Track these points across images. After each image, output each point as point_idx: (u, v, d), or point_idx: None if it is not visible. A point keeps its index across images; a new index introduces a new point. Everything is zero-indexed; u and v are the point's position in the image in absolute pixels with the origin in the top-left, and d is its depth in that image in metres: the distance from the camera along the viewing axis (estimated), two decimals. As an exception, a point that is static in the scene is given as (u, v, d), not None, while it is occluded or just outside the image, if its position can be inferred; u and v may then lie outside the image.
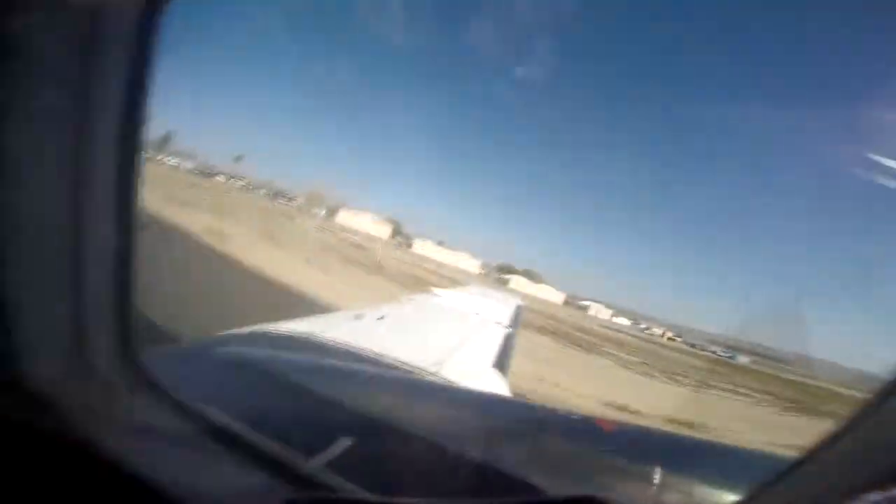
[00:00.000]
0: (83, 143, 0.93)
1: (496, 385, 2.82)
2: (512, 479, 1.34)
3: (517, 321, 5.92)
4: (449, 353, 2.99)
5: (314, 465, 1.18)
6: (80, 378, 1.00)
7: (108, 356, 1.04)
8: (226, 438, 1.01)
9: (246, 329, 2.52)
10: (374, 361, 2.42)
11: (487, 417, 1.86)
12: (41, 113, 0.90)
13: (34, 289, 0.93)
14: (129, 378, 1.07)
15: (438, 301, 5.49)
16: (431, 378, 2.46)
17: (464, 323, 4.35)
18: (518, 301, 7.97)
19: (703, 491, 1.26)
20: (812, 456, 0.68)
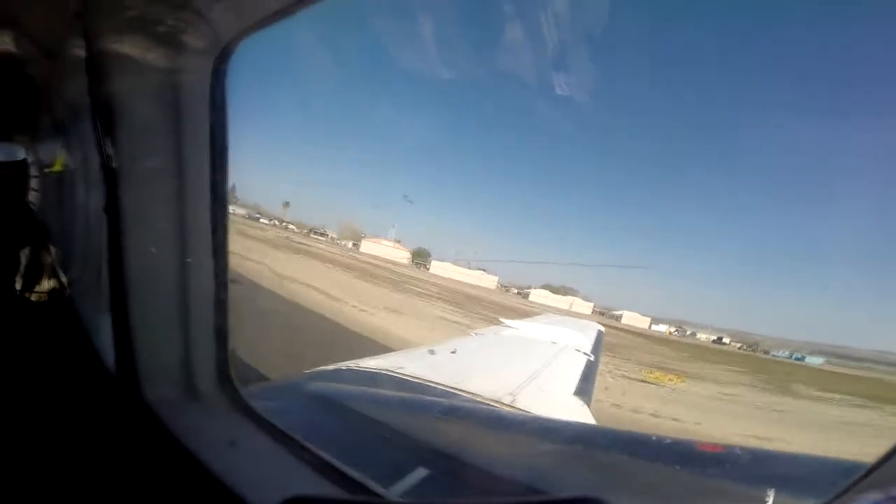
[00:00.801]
0: (182, 200, 1.14)
1: (579, 413, 2.65)
2: None
3: (598, 347, 5.54)
4: (525, 383, 2.90)
5: (395, 492, 1.22)
6: (189, 401, 1.18)
7: (211, 384, 1.22)
8: (315, 464, 1.09)
9: (331, 366, 2.71)
10: (449, 394, 2.43)
11: (570, 446, 1.76)
12: (146, 170, 1.12)
13: (152, 327, 1.15)
14: (229, 403, 1.23)
15: (510, 332, 5.37)
16: (507, 408, 2.40)
17: (540, 352, 4.20)
18: (599, 327, 7.48)
19: None
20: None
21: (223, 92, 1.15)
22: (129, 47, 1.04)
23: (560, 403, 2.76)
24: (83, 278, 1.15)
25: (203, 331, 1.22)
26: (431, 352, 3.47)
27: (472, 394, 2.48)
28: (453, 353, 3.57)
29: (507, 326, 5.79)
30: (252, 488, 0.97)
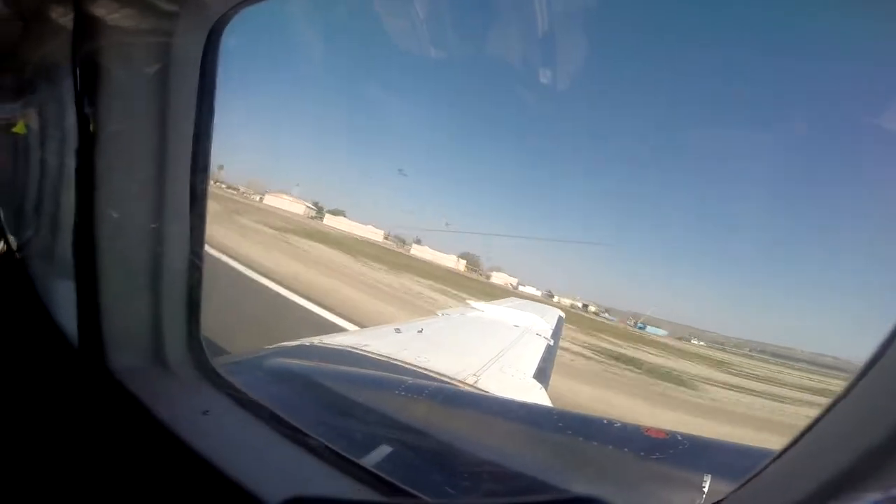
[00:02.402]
0: (161, 166, 1.09)
1: (537, 395, 2.79)
2: (553, 489, 1.33)
3: (559, 332, 5.78)
4: (487, 365, 3.00)
5: (365, 463, 1.24)
6: (158, 370, 1.16)
7: (181, 353, 1.19)
8: (289, 435, 1.09)
9: (294, 342, 2.68)
10: (414, 373, 2.48)
11: (527, 426, 1.85)
12: (126, 135, 1.06)
13: (120, 293, 1.10)
14: (199, 373, 1.21)
15: (475, 314, 5.49)
16: (470, 388, 2.48)
17: (502, 334, 4.33)
18: (560, 312, 7.78)
19: None
20: (793, 445, 0.68)
21: (214, 62, 1.11)
22: (119, 8, 0.96)
23: (519, 385, 2.88)
24: (37, 241, 1.07)
25: (174, 297, 1.19)
26: (398, 330, 3.50)
27: (437, 373, 2.54)
28: (420, 332, 3.62)
29: (472, 308, 5.91)
30: (229, 458, 0.97)
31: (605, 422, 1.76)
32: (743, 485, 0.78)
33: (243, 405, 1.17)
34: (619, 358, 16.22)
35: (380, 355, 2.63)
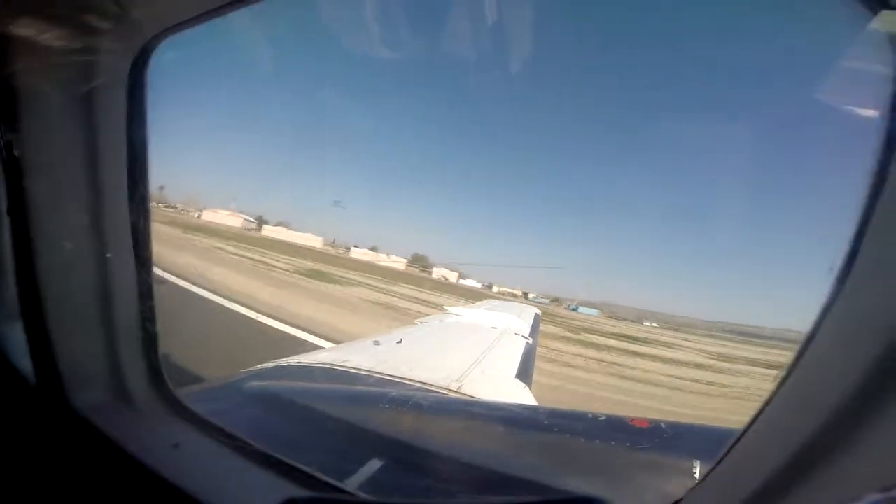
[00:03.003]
0: (97, 193, 1.04)
1: (521, 395, 2.81)
2: (544, 489, 1.34)
3: (536, 330, 5.88)
4: (469, 369, 3.00)
5: (349, 486, 1.21)
6: (122, 405, 1.09)
7: (143, 386, 1.14)
8: (265, 462, 1.06)
9: (271, 364, 2.58)
10: (397, 384, 2.44)
11: (515, 428, 1.86)
12: (57, 165, 1.00)
13: (71, 330, 1.04)
14: (165, 405, 1.15)
15: (454, 319, 5.50)
16: (454, 395, 2.47)
17: (481, 337, 4.36)
18: (536, 310, 7.91)
19: None
20: (752, 425, 0.72)
21: (143, 82, 1.07)
22: (38, 31, 0.90)
23: (503, 386, 2.89)
24: None
25: (128, 330, 1.14)
26: (376, 343, 3.45)
27: (420, 382, 2.52)
28: (399, 342, 3.58)
29: (450, 314, 5.91)
30: (204, 490, 0.93)
31: (590, 416, 1.80)
32: (705, 477, 0.81)
33: (215, 435, 1.12)
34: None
35: (360, 370, 2.58)
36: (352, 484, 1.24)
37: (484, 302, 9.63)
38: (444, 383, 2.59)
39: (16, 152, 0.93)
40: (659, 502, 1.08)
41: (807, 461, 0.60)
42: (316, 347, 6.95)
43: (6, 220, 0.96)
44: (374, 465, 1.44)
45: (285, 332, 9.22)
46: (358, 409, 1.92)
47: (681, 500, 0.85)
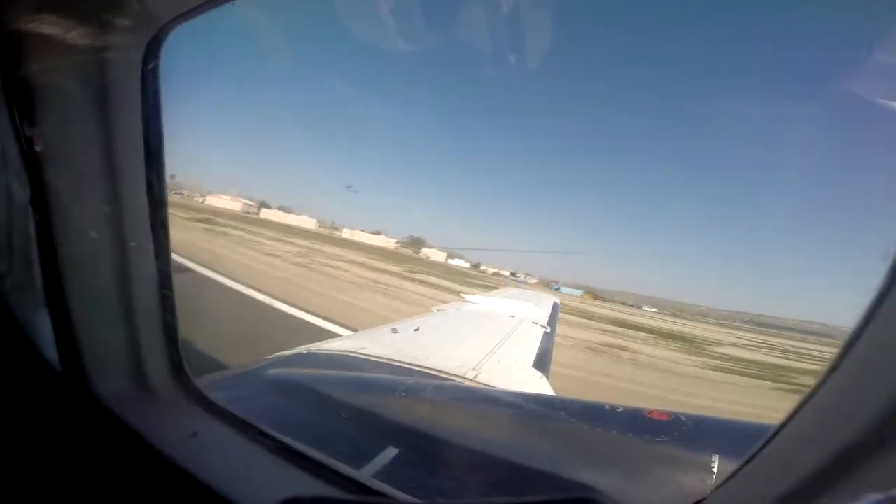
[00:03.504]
0: (115, 183, 1.06)
1: (538, 385, 2.80)
2: (559, 480, 1.32)
3: (555, 319, 5.82)
4: (486, 358, 3.00)
5: (366, 474, 1.23)
6: (142, 394, 1.13)
7: (164, 375, 1.17)
8: (282, 451, 1.08)
9: (291, 351, 2.64)
10: (414, 372, 2.47)
11: (531, 418, 1.85)
12: (75, 157, 1.03)
13: (93, 318, 1.07)
14: (185, 394, 1.19)
15: (471, 307, 5.49)
16: (470, 383, 2.48)
17: (499, 326, 4.34)
18: (555, 299, 7.83)
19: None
20: (789, 421, 0.68)
21: (156, 72, 1.07)
22: (51, 22, 0.91)
23: (520, 376, 2.88)
24: (11, 272, 1.03)
25: (149, 319, 1.16)
26: (394, 331, 3.48)
27: (437, 370, 2.53)
28: (416, 330, 3.61)
29: (467, 302, 5.91)
30: (222, 479, 0.95)
31: (607, 407, 1.77)
32: (734, 474, 0.78)
33: (233, 424, 1.15)
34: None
35: (378, 357, 2.61)
36: (367, 472, 1.26)
37: (502, 290, 9.58)
38: (460, 372, 2.60)
39: (36, 146, 0.96)
40: (680, 498, 1.06)
41: (850, 464, 0.56)
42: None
43: (30, 212, 0.99)
44: (390, 453, 1.45)
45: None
46: (374, 397, 1.95)
47: (706, 497, 0.82)
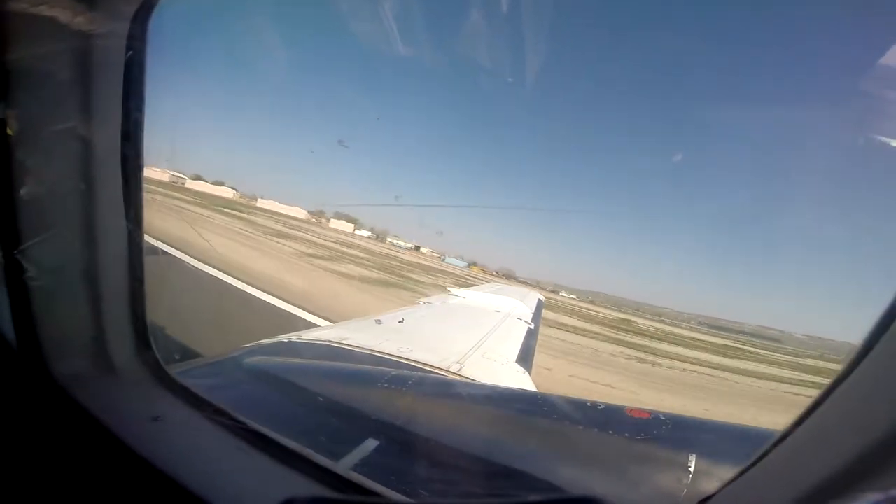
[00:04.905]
0: (90, 158, 1.01)
1: (520, 380, 2.80)
2: (536, 477, 1.32)
3: (538, 315, 5.86)
4: (470, 352, 2.99)
5: (343, 466, 1.20)
6: (104, 375, 1.08)
7: (128, 356, 1.12)
8: (254, 440, 1.04)
9: (271, 340, 2.58)
10: (397, 364, 2.44)
11: (512, 413, 1.84)
12: (45, 129, 0.97)
13: (55, 296, 1.02)
14: (150, 376, 1.14)
15: (457, 301, 5.48)
16: (454, 377, 2.46)
17: (484, 321, 4.34)
18: (539, 296, 7.89)
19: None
20: (794, 429, 0.68)
21: (142, 49, 1.03)
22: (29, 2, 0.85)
23: (503, 371, 2.88)
24: None
25: (115, 299, 1.11)
26: (378, 322, 3.44)
27: (420, 363, 2.51)
28: (400, 322, 3.57)
29: (453, 295, 5.90)
30: (181, 466, 0.91)
31: (588, 404, 1.77)
32: (736, 478, 0.78)
33: (201, 409, 1.10)
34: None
35: (361, 348, 2.58)
36: (345, 464, 1.23)
37: (487, 285, 9.61)
38: (444, 365, 2.58)
39: (6, 121, 0.90)
40: (685, 497, 1.06)
41: (859, 471, 0.56)
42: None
43: None
44: (370, 445, 1.43)
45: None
46: (356, 388, 1.91)
47: (709, 497, 0.82)
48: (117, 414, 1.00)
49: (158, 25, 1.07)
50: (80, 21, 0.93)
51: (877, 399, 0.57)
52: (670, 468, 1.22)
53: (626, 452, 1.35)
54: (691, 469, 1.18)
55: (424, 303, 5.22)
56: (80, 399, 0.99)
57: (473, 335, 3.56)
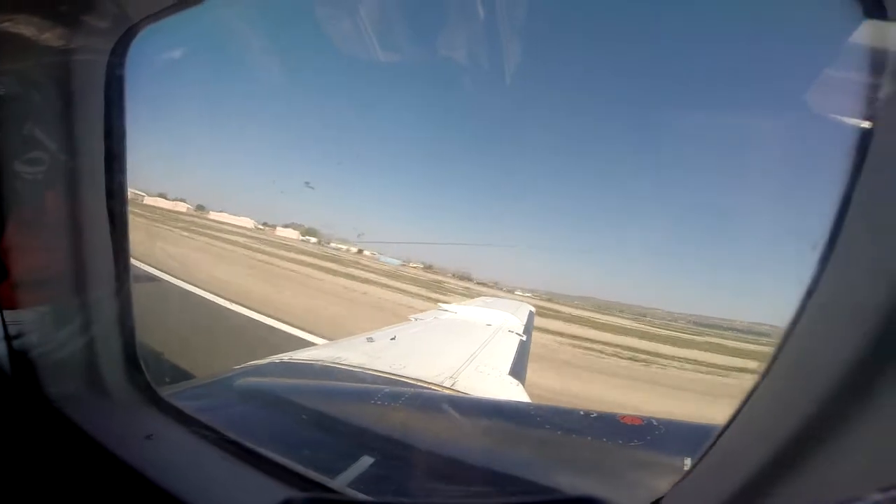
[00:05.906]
0: (75, 183, 1.04)
1: (514, 392, 2.83)
2: (534, 484, 1.35)
3: (530, 327, 5.90)
4: (463, 366, 3.01)
5: (339, 482, 1.21)
6: (97, 396, 1.10)
7: (120, 377, 1.14)
8: (248, 458, 1.05)
9: (263, 361, 2.58)
10: (390, 381, 2.45)
11: (507, 425, 1.87)
12: (34, 155, 1.01)
13: (48, 320, 1.04)
14: (141, 397, 1.16)
15: (448, 316, 5.50)
16: (447, 391, 2.48)
17: (476, 335, 4.37)
18: (530, 308, 7.93)
19: None
20: (738, 415, 0.72)
21: (122, 74, 1.07)
22: (15, 19, 0.89)
23: (496, 384, 2.91)
24: None
25: (105, 321, 1.14)
26: (370, 339, 3.45)
27: (414, 379, 2.52)
28: (392, 339, 3.58)
29: (444, 310, 5.92)
30: (175, 482, 0.92)
31: (581, 413, 1.81)
32: (688, 473, 0.82)
33: (193, 428, 1.12)
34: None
35: (354, 366, 2.58)
36: (342, 481, 1.24)
37: (478, 299, 9.64)
38: (437, 380, 2.60)
39: None
40: (645, 498, 1.10)
41: (790, 456, 0.60)
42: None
43: None
44: (366, 461, 1.44)
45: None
46: (350, 405, 1.92)
47: (663, 496, 0.86)
48: (111, 432, 1.01)
49: (138, 54, 1.09)
50: (62, 47, 0.97)
51: (800, 386, 0.61)
52: (665, 472, 1.25)
53: (621, 459, 1.39)
54: (686, 471, 1.21)
55: (416, 318, 5.23)
56: (75, 419, 1.01)
57: (466, 349, 3.59)
